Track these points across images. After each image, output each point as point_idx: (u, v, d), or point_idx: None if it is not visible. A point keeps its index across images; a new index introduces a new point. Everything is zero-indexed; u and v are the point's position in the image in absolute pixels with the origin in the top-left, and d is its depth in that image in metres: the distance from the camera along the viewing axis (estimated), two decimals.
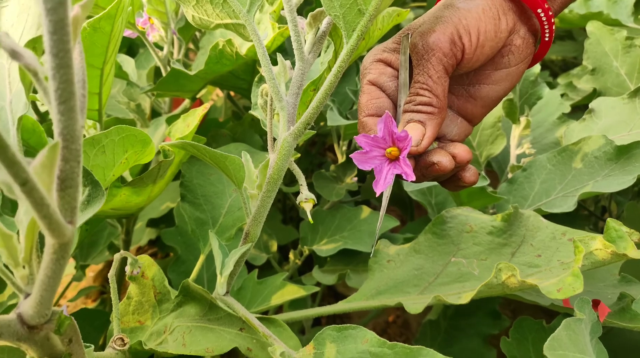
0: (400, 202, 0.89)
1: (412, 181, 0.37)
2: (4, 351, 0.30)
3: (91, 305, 1.25)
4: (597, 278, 0.57)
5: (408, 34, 0.39)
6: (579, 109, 1.09)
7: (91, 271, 1.29)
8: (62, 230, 0.22)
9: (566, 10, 1.26)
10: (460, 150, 0.38)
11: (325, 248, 0.73)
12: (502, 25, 0.38)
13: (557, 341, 0.35)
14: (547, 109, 0.94)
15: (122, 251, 0.39)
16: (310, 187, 0.90)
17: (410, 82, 0.39)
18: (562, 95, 1.11)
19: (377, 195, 0.37)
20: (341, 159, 0.84)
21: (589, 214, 0.99)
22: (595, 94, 0.99)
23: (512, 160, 0.80)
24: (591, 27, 1.05)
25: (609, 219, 0.44)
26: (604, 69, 1.04)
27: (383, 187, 0.37)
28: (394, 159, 0.36)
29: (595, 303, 0.46)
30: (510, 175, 0.79)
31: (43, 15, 0.20)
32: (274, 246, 0.80)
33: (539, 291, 0.38)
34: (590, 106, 0.81)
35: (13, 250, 0.25)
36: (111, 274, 0.39)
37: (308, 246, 0.75)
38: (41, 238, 0.26)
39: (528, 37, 0.40)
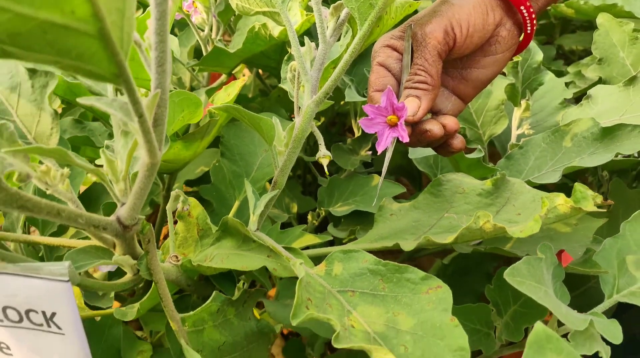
0: (409, 174, 0.99)
1: (407, 144, 0.47)
2: (98, 250, 0.41)
3: None
4: (573, 240, 0.66)
5: (411, 24, 0.49)
6: (582, 97, 1.16)
7: None
8: (156, 153, 0.32)
9: (581, 2, 1.32)
10: (450, 121, 0.47)
11: (339, 209, 0.83)
12: (490, 19, 0.47)
13: (517, 270, 0.45)
14: (551, 95, 1.02)
15: (177, 190, 0.50)
16: (331, 163, 1.00)
17: (411, 64, 0.49)
18: (570, 83, 1.18)
19: (378, 153, 0.47)
20: (357, 133, 0.93)
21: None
22: (600, 82, 1.06)
23: (513, 139, 0.89)
24: (601, 19, 1.11)
25: (576, 184, 0.53)
26: (611, 59, 1.11)
27: (383, 147, 0.47)
28: (393, 125, 0.46)
29: (560, 253, 0.55)
30: (509, 152, 0.88)
31: (152, 6, 0.30)
32: (294, 208, 0.90)
33: (524, 242, 0.48)
34: (588, 92, 0.89)
35: (115, 171, 0.36)
36: (168, 207, 0.49)
37: (325, 208, 0.85)
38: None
39: (513, 29, 0.49)
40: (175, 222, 0.53)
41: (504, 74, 0.91)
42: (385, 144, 0.46)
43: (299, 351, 0.93)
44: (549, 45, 1.65)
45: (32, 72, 0.40)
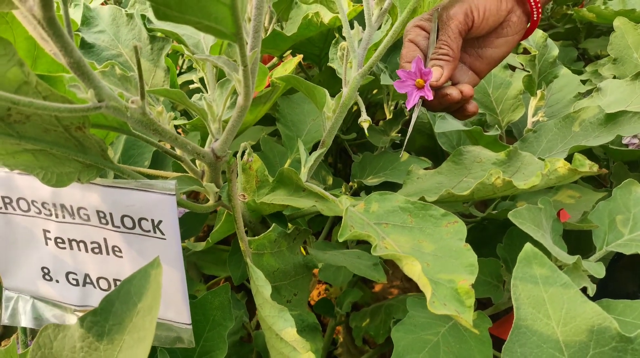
0: (434, 154, 1.09)
1: (430, 103, 0.58)
2: (190, 179, 0.52)
3: None
4: (576, 208, 0.76)
5: (438, 8, 0.59)
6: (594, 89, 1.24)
7: None
8: (250, 97, 0.44)
9: (602, 7, 1.41)
10: (466, 88, 0.58)
11: (371, 181, 0.94)
12: (503, 6, 0.58)
13: (519, 213, 0.55)
14: (567, 89, 1.11)
15: (245, 143, 0.61)
16: (363, 145, 1.11)
17: (436, 41, 0.60)
18: (586, 81, 1.27)
19: (407, 109, 0.58)
20: (389, 116, 1.04)
21: (598, 183, 1.15)
22: None
23: (529, 125, 0.98)
24: (618, 22, 1.20)
25: (576, 154, 0.63)
26: (625, 59, 1.20)
27: (412, 103, 0.58)
28: (420, 87, 0.57)
29: (559, 212, 0.65)
30: (524, 136, 0.97)
31: None
32: (330, 180, 1.01)
33: (514, 188, 0.58)
34: (598, 85, 0.98)
35: (213, 113, 0.47)
36: (238, 155, 0.61)
37: (357, 179, 0.96)
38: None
39: (522, 16, 0.59)
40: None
41: (522, 67, 1.01)
42: (414, 101, 0.57)
43: (328, 309, 1.04)
44: (573, 48, 1.73)
45: (152, 38, 0.52)
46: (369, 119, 0.62)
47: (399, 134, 1.04)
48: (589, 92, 1.19)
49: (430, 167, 0.76)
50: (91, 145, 0.43)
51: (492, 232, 0.96)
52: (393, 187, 0.93)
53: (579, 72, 1.38)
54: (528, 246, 0.45)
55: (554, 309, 0.43)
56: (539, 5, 0.58)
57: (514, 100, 1.00)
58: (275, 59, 0.89)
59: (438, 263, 0.49)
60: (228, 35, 0.38)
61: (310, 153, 0.66)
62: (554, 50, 0.99)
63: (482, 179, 0.60)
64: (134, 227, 0.49)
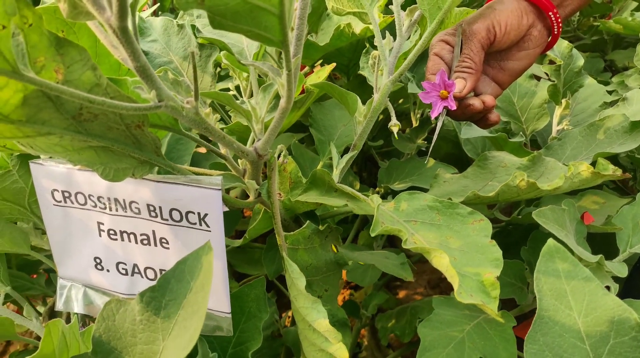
0: (459, 161, 1.12)
1: (453, 112, 0.61)
2: (232, 176, 0.56)
3: None
4: (600, 214, 0.78)
5: (462, 24, 0.63)
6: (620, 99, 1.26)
7: None
8: (292, 99, 0.48)
9: (629, 18, 1.42)
10: (488, 98, 0.61)
11: (397, 186, 0.97)
12: (524, 21, 0.61)
13: (543, 213, 0.57)
14: (592, 99, 1.13)
15: (281, 145, 0.65)
16: (389, 153, 1.14)
17: (460, 55, 0.63)
18: (612, 91, 1.29)
19: (432, 118, 0.61)
20: (415, 124, 1.07)
21: (618, 189, 1.17)
22: None
23: (554, 133, 1.00)
24: None
25: (599, 158, 0.66)
26: None
27: (436, 113, 0.61)
28: (444, 98, 0.60)
29: (583, 214, 0.67)
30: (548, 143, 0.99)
31: None
32: (357, 186, 1.05)
33: (538, 189, 0.61)
34: (624, 95, 1.00)
35: (256, 115, 0.51)
36: (275, 156, 0.65)
37: (384, 185, 0.99)
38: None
39: (543, 30, 0.62)
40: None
41: (547, 75, 1.03)
42: (438, 111, 0.60)
43: (354, 310, 1.07)
44: (598, 58, 1.74)
45: (201, 46, 0.56)
46: (399, 123, 0.66)
47: (425, 142, 1.07)
48: (614, 103, 1.20)
49: (455, 173, 0.79)
50: (147, 142, 0.47)
51: (516, 238, 0.98)
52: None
53: (606, 83, 1.39)
54: (551, 241, 0.47)
55: (576, 301, 0.45)
56: (559, 20, 0.60)
57: (538, 109, 1.02)
58: (307, 68, 0.93)
59: (465, 258, 0.52)
60: (275, 42, 0.42)
61: (341, 156, 0.70)
62: (579, 60, 1.01)
63: (507, 181, 0.63)
64: (181, 220, 0.53)
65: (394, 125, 0.66)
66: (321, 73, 0.72)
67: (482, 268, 0.50)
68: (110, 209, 0.55)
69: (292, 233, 0.60)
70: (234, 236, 1.41)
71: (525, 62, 0.63)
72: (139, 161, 0.50)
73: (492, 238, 0.95)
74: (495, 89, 0.65)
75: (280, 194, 0.63)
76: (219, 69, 1.03)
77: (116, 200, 0.54)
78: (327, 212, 0.72)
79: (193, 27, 0.60)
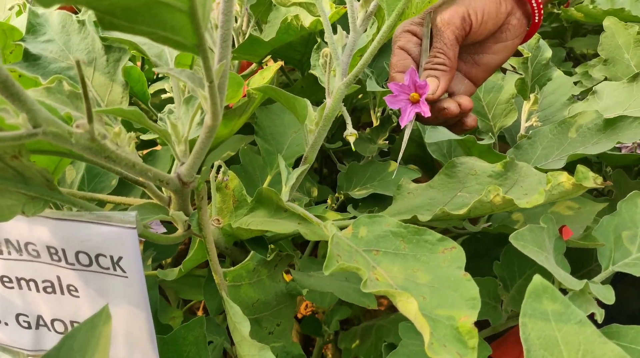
0: (423, 163, 1.04)
1: (427, 119, 0.52)
2: (155, 207, 0.46)
3: None
4: (576, 221, 0.71)
5: (430, 11, 0.54)
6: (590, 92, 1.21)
7: None
8: (218, 116, 0.38)
9: (590, 6, 1.37)
10: (465, 100, 0.53)
11: (358, 193, 0.88)
12: (502, 9, 0.52)
13: (521, 235, 0.50)
14: (560, 92, 1.07)
15: (218, 161, 0.56)
16: (349, 152, 1.06)
17: (430, 48, 0.54)
18: (577, 82, 1.24)
19: (402, 127, 0.53)
20: (375, 123, 0.99)
21: (594, 189, 1.12)
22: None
23: (522, 131, 0.94)
24: (608, 22, 1.17)
25: (578, 166, 0.58)
26: (616, 60, 1.16)
27: (406, 121, 0.52)
28: (415, 102, 0.51)
29: (561, 228, 0.60)
30: (518, 143, 0.93)
31: None
32: (315, 192, 0.96)
33: (515, 206, 0.53)
34: (594, 88, 0.94)
35: (178, 134, 0.41)
36: (212, 175, 0.55)
37: (344, 191, 0.90)
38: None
39: (522, 19, 0.54)
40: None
41: (514, 69, 0.96)
42: (409, 118, 0.51)
43: (315, 328, 0.98)
44: (560, 47, 1.69)
45: (108, 49, 0.46)
46: (355, 132, 0.57)
47: (387, 142, 0.98)
48: (583, 95, 1.15)
49: (421, 177, 0.71)
50: (33, 175, 0.37)
51: (486, 245, 0.92)
52: (382, 199, 0.88)
53: (569, 73, 1.34)
54: (537, 279, 0.40)
55: (569, 351, 0.38)
56: (541, 6, 0.53)
57: (506, 104, 0.95)
58: (254, 65, 0.83)
59: (435, 296, 0.44)
60: (188, 47, 0.32)
61: (293, 168, 0.61)
62: (547, 52, 0.94)
63: (480, 197, 0.55)
64: (90, 264, 0.43)
65: (350, 134, 0.57)
66: (266, 73, 0.62)
67: (457, 311, 0.42)
68: (2, 253, 0.44)
69: (232, 268, 0.51)
70: (183, 250, 1.30)
71: (503, 55, 0.55)
72: (28, 197, 0.39)
73: (460, 245, 0.88)
74: (469, 87, 0.56)
75: (218, 220, 0.54)
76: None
77: (8, 242, 0.44)
78: (278, 234, 0.63)
79: (97, 23, 0.49)
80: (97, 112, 0.37)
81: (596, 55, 1.81)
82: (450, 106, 0.51)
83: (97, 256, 0.42)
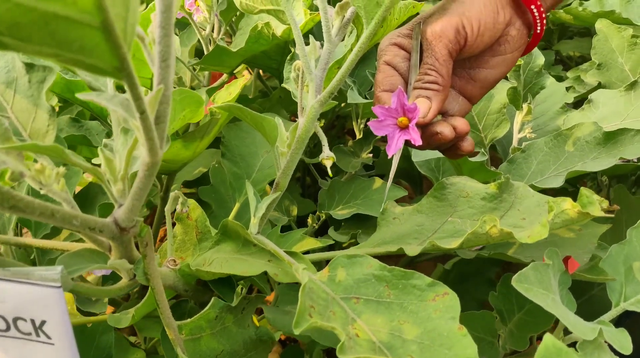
0: (411, 178, 0.98)
1: (418, 147, 0.46)
2: (93, 253, 0.39)
3: None
4: (577, 246, 0.65)
5: (420, 22, 0.47)
6: (583, 102, 1.15)
7: None
8: (157, 152, 0.31)
9: (580, 8, 1.32)
10: (460, 123, 0.46)
11: (340, 212, 0.81)
12: (500, 18, 0.46)
13: (524, 276, 0.43)
14: (552, 99, 1.01)
15: (176, 191, 0.48)
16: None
17: (420, 63, 0.48)
18: (569, 88, 1.18)
19: (388, 157, 0.46)
20: (359, 135, 0.92)
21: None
22: (599, 87, 1.06)
23: (514, 143, 0.88)
24: (600, 24, 1.11)
25: (582, 189, 0.52)
26: (610, 64, 1.11)
27: (394, 150, 0.45)
28: (404, 127, 0.45)
29: (566, 259, 0.54)
30: (511, 156, 0.87)
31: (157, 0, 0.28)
32: (294, 211, 0.89)
33: (527, 248, 0.47)
34: (590, 97, 0.88)
35: (113, 170, 0.34)
36: (167, 209, 0.48)
37: (325, 211, 0.84)
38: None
39: (522, 29, 0.48)
40: (174, 224, 0.52)
41: (506, 77, 0.90)
42: (397, 146, 0.45)
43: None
44: (548, 50, 1.65)
45: (30, 67, 0.39)
46: (332, 155, 0.50)
47: (371, 155, 0.92)
48: (575, 103, 1.09)
49: (407, 195, 0.64)
50: None
51: (477, 265, 0.86)
52: (366, 219, 0.81)
53: (559, 78, 1.29)
54: (549, 339, 0.33)
55: None
56: (543, 14, 0.46)
57: (497, 114, 0.89)
58: (224, 77, 0.76)
59: (426, 356, 0.37)
60: (108, 72, 0.25)
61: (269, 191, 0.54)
62: (539, 58, 0.88)
63: (475, 228, 0.48)
64: (8, 329, 0.36)
65: (327, 158, 0.50)
66: (232, 88, 0.55)
67: None
68: None
69: (189, 320, 0.44)
70: None
71: (501, 69, 0.48)
72: None
73: (451, 267, 0.81)
74: (464, 106, 0.50)
75: (175, 262, 0.47)
76: None
77: None
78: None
79: None
80: (5, 149, 0.30)
81: (583, 58, 1.77)
82: (444, 130, 0.45)
83: (15, 319, 0.35)
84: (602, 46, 1.12)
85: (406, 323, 0.40)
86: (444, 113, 0.49)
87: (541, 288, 0.44)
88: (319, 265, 0.89)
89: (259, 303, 0.52)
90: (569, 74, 1.29)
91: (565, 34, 1.80)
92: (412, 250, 0.51)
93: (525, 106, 0.85)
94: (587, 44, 1.69)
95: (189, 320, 0.44)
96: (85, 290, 0.37)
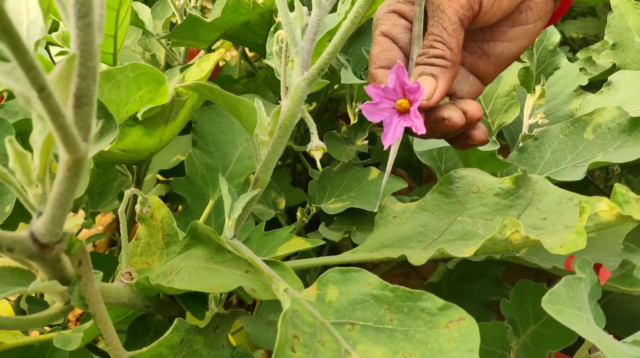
0: (410, 167, 0.90)
1: (421, 136, 0.37)
2: (15, 273, 0.31)
3: (104, 248, 1.28)
4: (600, 246, 0.57)
5: None
6: (596, 85, 1.07)
7: (100, 225, 1.31)
8: (77, 145, 0.22)
9: None
10: (472, 107, 0.38)
11: (332, 206, 0.73)
12: None
13: (556, 295, 0.36)
14: (564, 82, 0.93)
15: (132, 188, 0.40)
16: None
17: (424, 34, 0.39)
18: (581, 69, 1.09)
19: (385, 148, 0.38)
20: (353, 120, 0.84)
21: (597, 191, 0.98)
22: (614, 69, 0.98)
23: (525, 129, 0.80)
24: (616, 1, 1.02)
25: (616, 185, 0.44)
26: (625, 44, 1.02)
27: (392, 140, 0.37)
28: (403, 112, 0.36)
29: (597, 267, 0.46)
30: (521, 144, 0.79)
31: None
32: (282, 204, 0.80)
33: (541, 248, 0.39)
34: (609, 78, 0.80)
35: (27, 168, 0.26)
36: (120, 210, 0.39)
37: (316, 204, 0.75)
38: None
39: None
40: (133, 230, 0.43)
41: None
42: (395, 136, 0.36)
43: None
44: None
45: None
46: (323, 145, 0.42)
47: (367, 142, 0.83)
48: (590, 88, 1.01)
49: (409, 197, 0.56)
50: None
51: (482, 264, 0.78)
52: (361, 214, 0.73)
53: (569, 60, 1.20)
54: None
55: None
56: None
57: (506, 98, 0.81)
58: (201, 53, 0.67)
59: None
60: None
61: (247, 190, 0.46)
62: (554, 35, 0.80)
63: (493, 234, 0.40)
64: None
65: (316, 149, 0.42)
66: (205, 64, 0.47)
67: None
68: None
69: (145, 350, 0.36)
70: None
71: (520, 43, 0.40)
72: None
73: (455, 266, 0.73)
74: (475, 86, 0.41)
75: (130, 275, 0.38)
76: None
77: None
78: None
79: None
80: None
81: (585, 40, 1.69)
82: (453, 115, 0.36)
83: None
84: (617, 24, 1.03)
85: (413, 357, 0.32)
86: (451, 95, 0.41)
87: (574, 307, 0.36)
88: (305, 274, 0.82)
89: (235, 319, 0.44)
90: (579, 54, 1.20)
91: (568, 14, 1.72)
92: (416, 259, 0.43)
93: (538, 88, 0.76)
94: (592, 24, 1.61)
95: (145, 349, 0.36)
96: (4, 323, 0.29)
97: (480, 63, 0.41)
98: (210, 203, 0.51)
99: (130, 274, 0.39)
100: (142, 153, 0.50)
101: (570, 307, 0.36)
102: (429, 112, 0.38)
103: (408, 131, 0.38)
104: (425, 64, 0.37)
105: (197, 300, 0.43)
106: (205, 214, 0.51)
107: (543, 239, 0.39)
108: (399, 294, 0.33)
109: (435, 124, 0.38)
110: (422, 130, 0.35)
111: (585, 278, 0.39)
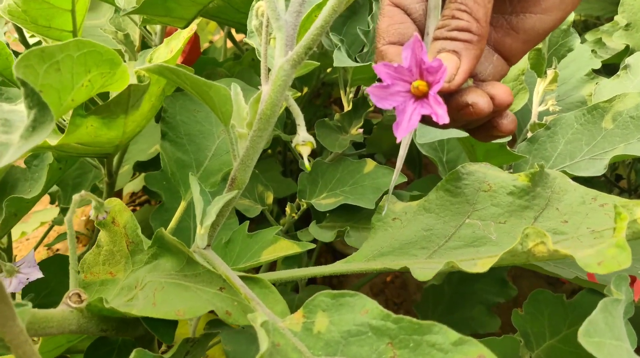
0: (408, 158, 0.83)
1: (442, 126, 0.31)
2: None
3: (81, 249, 1.21)
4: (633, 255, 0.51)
5: None
6: (607, 69, 1.01)
7: (83, 216, 1.24)
8: None
9: None
10: (500, 91, 0.31)
11: (324, 202, 0.67)
12: None
13: (594, 325, 0.29)
14: (575, 65, 0.86)
15: (83, 192, 0.33)
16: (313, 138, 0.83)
17: (443, 4, 0.32)
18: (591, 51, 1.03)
19: (397, 141, 0.31)
20: (347, 107, 0.77)
21: (605, 181, 0.92)
22: (627, 51, 0.91)
23: (534, 117, 0.73)
24: None
25: None
26: None
27: (406, 131, 0.30)
28: (420, 96, 0.29)
29: (632, 281, 0.40)
30: (529, 134, 0.72)
31: None
32: (270, 198, 0.74)
33: (565, 260, 0.33)
34: (626, 61, 0.73)
35: None
36: (67, 218, 0.33)
37: (306, 199, 0.69)
38: None
39: None
40: (88, 241, 0.37)
41: None
42: (410, 126, 0.29)
43: None
44: None
45: None
46: (311, 140, 0.35)
47: (362, 131, 0.76)
48: (600, 72, 0.94)
49: (411, 195, 0.50)
50: None
51: (487, 275, 0.72)
52: (355, 210, 0.67)
53: None
54: None
55: None
56: None
57: (514, 82, 0.74)
58: (177, 32, 0.60)
59: None
60: None
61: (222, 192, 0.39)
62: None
63: (513, 246, 0.34)
64: None
65: (303, 144, 0.35)
66: (174, 44, 0.40)
67: None
68: None
69: None
70: None
71: (556, 15, 0.33)
72: None
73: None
74: (499, 67, 0.35)
75: (79, 297, 0.32)
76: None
77: None
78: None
79: None
80: None
81: (586, 23, 1.61)
82: (479, 101, 0.30)
83: None
84: (631, 3, 0.97)
85: None
86: (473, 77, 0.34)
87: (613, 337, 0.30)
88: (298, 281, 0.75)
89: (209, 342, 0.38)
90: (587, 36, 1.13)
91: None
92: (421, 274, 0.36)
93: (550, 71, 0.70)
94: (595, 5, 1.54)
95: None
96: None
97: (507, 40, 0.34)
98: (182, 204, 0.44)
99: (80, 296, 0.32)
100: (104, 146, 0.43)
101: (609, 338, 0.30)
102: (448, 97, 0.31)
103: (426, 119, 0.31)
104: (445, 38, 0.31)
105: (164, 321, 0.36)
106: (177, 217, 0.44)
107: (575, 253, 0.32)
108: (404, 326, 0.27)
109: (457, 112, 0.31)
110: (444, 119, 0.28)
111: (623, 298, 0.33)
